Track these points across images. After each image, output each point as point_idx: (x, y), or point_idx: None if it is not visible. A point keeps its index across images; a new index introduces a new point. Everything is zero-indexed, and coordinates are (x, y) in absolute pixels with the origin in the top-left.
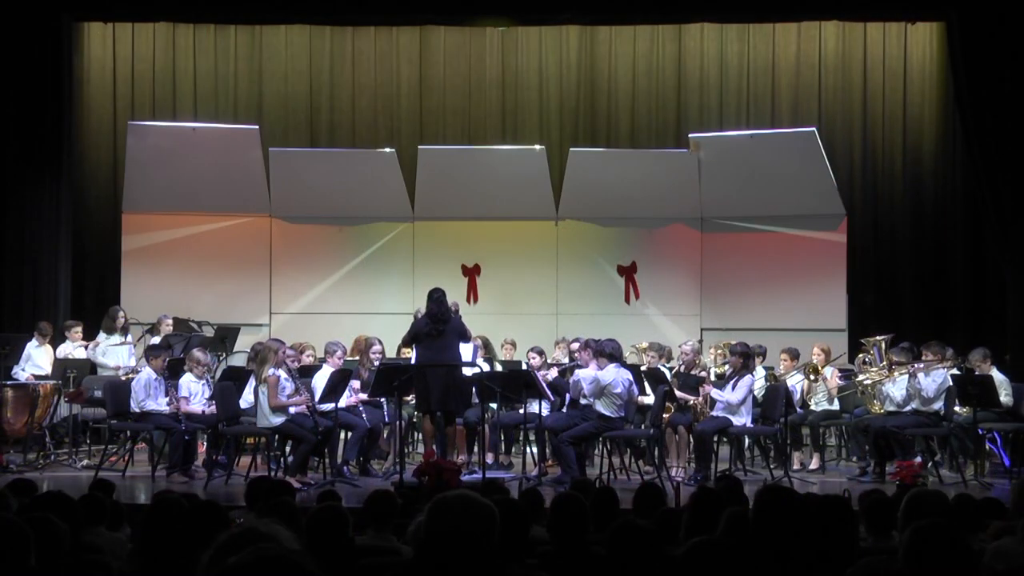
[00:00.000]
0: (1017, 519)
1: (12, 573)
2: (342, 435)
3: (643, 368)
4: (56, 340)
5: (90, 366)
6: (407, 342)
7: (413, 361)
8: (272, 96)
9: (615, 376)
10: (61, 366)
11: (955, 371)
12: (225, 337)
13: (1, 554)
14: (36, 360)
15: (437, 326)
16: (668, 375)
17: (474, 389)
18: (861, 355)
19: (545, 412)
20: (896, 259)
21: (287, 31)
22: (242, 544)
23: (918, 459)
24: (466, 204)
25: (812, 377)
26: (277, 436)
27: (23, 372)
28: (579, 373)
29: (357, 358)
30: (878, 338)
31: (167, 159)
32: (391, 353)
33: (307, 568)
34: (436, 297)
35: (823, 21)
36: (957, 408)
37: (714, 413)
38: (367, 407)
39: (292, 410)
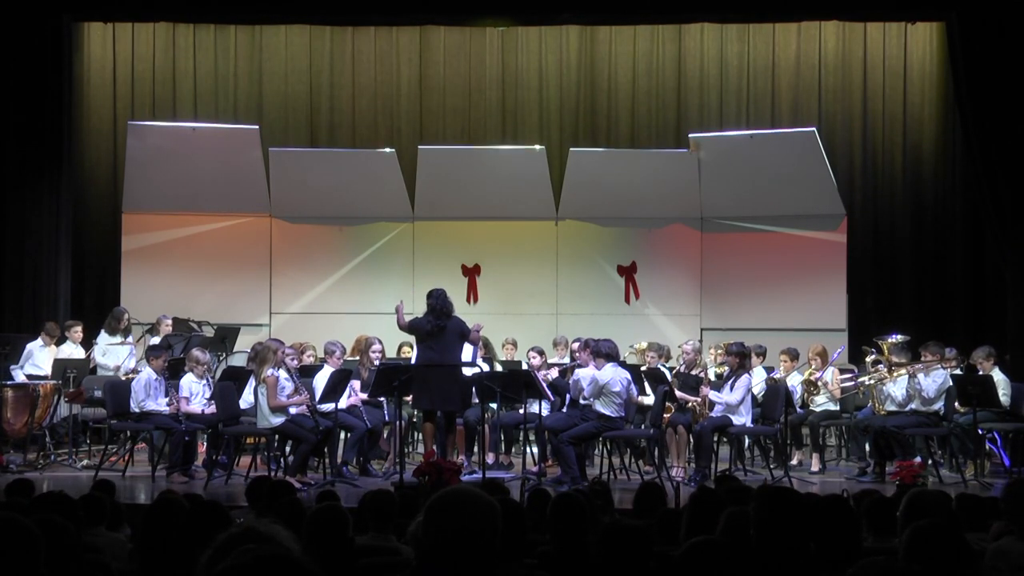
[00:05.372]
0: (1010, 521)
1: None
2: (342, 435)
3: (643, 368)
4: (59, 342)
5: (90, 366)
6: (405, 326)
7: (413, 361)
8: (272, 96)
9: (612, 375)
10: (61, 366)
11: (957, 371)
12: (225, 337)
13: (11, 557)
14: (37, 360)
15: (439, 322)
16: (668, 375)
17: (474, 389)
18: (872, 357)
19: (545, 412)
20: (896, 259)
21: (287, 31)
22: (241, 544)
23: (918, 459)
24: (466, 204)
25: (812, 390)
26: (277, 436)
27: (20, 371)
28: (578, 373)
29: (357, 358)
30: (895, 339)
31: (167, 159)
32: (391, 353)
33: (307, 568)
34: (436, 294)
35: (823, 21)
36: (957, 406)
37: (713, 414)
38: (367, 407)
39: (292, 410)
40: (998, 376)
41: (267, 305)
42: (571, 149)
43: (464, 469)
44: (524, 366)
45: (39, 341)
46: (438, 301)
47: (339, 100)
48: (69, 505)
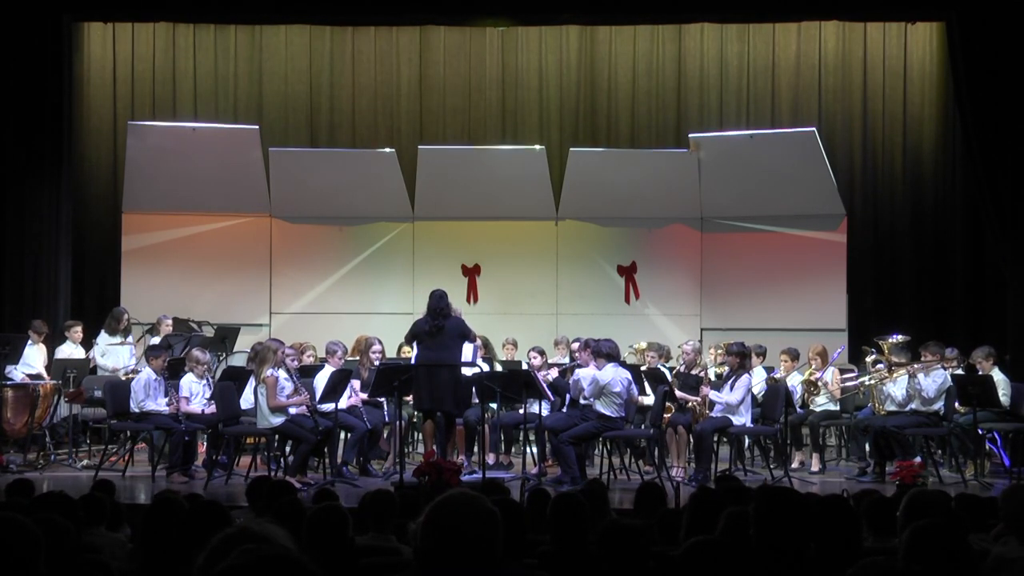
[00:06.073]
0: (1008, 525)
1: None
2: (342, 435)
3: (643, 368)
4: (54, 340)
5: (90, 366)
6: (408, 340)
7: (413, 361)
8: (272, 96)
9: (613, 375)
10: (60, 366)
11: (959, 371)
12: (225, 337)
13: (12, 557)
14: (29, 359)
15: (436, 322)
16: (668, 375)
17: (474, 389)
18: (872, 357)
19: (545, 412)
20: (896, 259)
21: (287, 31)
22: (237, 545)
23: (918, 459)
24: (466, 204)
25: (812, 390)
26: (277, 436)
27: (17, 371)
28: (579, 373)
29: (357, 358)
30: (895, 339)
31: (167, 159)
32: (391, 353)
33: (307, 568)
34: (436, 295)
35: (823, 21)
36: (957, 406)
37: (713, 414)
38: (367, 407)
39: (292, 410)
40: (998, 376)
41: (267, 305)
42: (571, 149)
43: (464, 469)
44: (524, 366)
45: (28, 340)
46: (435, 302)
47: (339, 100)
48: (69, 505)
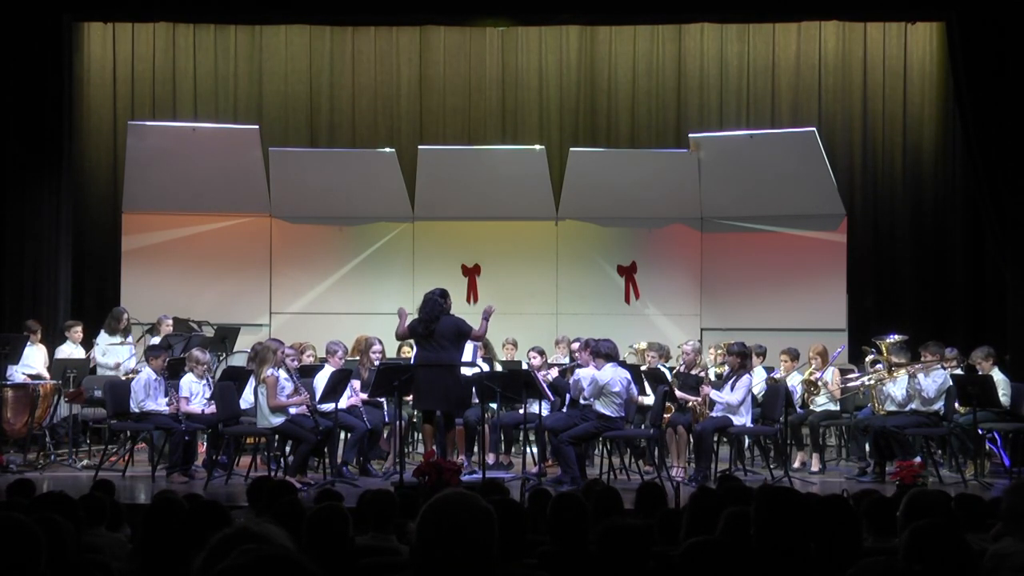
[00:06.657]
0: (1008, 523)
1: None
2: (342, 435)
3: (643, 368)
4: (54, 340)
5: (90, 366)
6: (401, 335)
7: (412, 361)
8: (272, 96)
9: (612, 375)
10: (60, 366)
11: (959, 371)
12: (225, 337)
13: (12, 557)
14: (28, 359)
15: (428, 325)
16: (668, 375)
17: (474, 389)
18: (871, 357)
19: (545, 412)
20: (896, 259)
21: (287, 31)
22: (235, 545)
23: (918, 459)
24: (466, 204)
25: (812, 390)
26: (277, 436)
27: (17, 372)
28: (579, 373)
29: (357, 358)
30: (893, 339)
31: (167, 159)
32: (391, 353)
33: (306, 568)
34: (426, 296)
35: (823, 21)
36: (957, 407)
37: (714, 414)
38: (367, 407)
39: (292, 410)
40: (998, 376)
41: (267, 305)
42: (571, 149)
43: (464, 469)
44: (524, 366)
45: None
46: (422, 305)
47: (339, 100)
48: (69, 505)
